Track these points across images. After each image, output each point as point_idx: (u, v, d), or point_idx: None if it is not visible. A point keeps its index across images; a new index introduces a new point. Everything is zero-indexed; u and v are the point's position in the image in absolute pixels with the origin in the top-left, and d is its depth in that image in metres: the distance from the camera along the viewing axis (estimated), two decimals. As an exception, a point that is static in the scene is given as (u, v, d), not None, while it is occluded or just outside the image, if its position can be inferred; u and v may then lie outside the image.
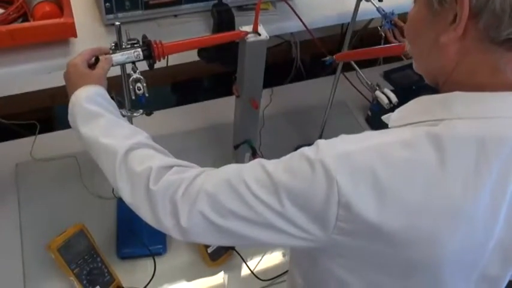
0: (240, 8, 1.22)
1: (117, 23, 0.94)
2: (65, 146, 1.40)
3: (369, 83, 1.18)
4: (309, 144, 0.64)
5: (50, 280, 1.16)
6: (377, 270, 0.66)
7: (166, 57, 0.99)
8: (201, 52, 1.21)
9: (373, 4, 1.13)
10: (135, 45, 0.98)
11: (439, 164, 0.58)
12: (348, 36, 1.23)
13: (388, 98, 1.12)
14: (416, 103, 0.66)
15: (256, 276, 1.22)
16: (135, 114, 1.11)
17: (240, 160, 1.35)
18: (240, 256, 1.25)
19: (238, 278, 1.24)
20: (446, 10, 0.58)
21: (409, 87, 1.68)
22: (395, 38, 1.16)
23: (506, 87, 0.59)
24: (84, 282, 1.11)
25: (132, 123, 1.08)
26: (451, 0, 0.57)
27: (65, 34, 1.04)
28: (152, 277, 1.17)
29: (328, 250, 0.66)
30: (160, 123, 1.37)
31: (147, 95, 0.99)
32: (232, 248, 1.25)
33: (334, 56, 1.23)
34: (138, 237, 1.22)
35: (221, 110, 1.53)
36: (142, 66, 1.00)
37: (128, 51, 0.96)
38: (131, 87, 0.99)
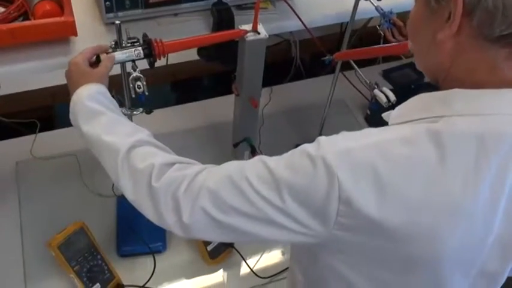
0: (240, 7, 1.22)
1: (117, 22, 0.95)
2: (65, 145, 1.40)
3: (368, 81, 1.18)
4: (309, 142, 0.65)
5: (50, 277, 1.16)
6: (377, 265, 0.66)
7: (166, 56, 1.00)
8: (200, 51, 1.22)
9: (372, 3, 1.14)
10: (135, 43, 0.98)
11: (439, 160, 0.58)
12: (347, 35, 1.24)
13: (387, 96, 1.13)
14: (416, 100, 0.66)
15: (256, 274, 1.23)
16: (135, 112, 1.12)
17: (239, 158, 1.35)
18: (240, 254, 1.25)
19: (238, 275, 1.25)
20: (442, 8, 0.59)
21: (408, 86, 1.69)
22: (394, 37, 1.17)
23: (505, 84, 0.59)
24: (84, 279, 1.11)
25: (132, 121, 1.08)
26: None
27: (65, 33, 1.04)
28: (152, 274, 1.18)
29: (329, 246, 0.66)
30: (160, 121, 1.37)
31: (147, 93, 1.00)
32: (232, 246, 1.25)
33: (333, 55, 1.24)
34: (138, 235, 1.22)
35: (221, 108, 1.53)
36: (142, 64, 1.01)
37: (129, 50, 0.97)
38: (131, 85, 1.00)
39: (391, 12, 1.14)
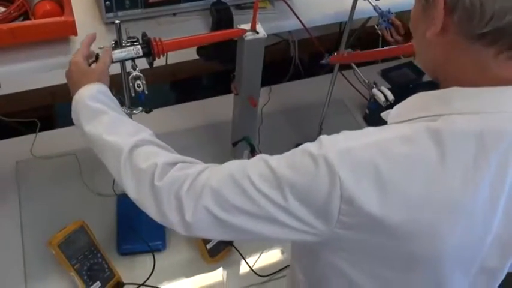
0: (239, 6, 1.22)
1: (117, 22, 0.95)
2: (65, 144, 1.41)
3: (366, 81, 1.19)
4: (307, 141, 0.65)
5: (50, 276, 1.17)
6: (379, 263, 0.67)
7: (165, 55, 1.00)
8: (200, 50, 1.22)
9: (370, 3, 1.14)
10: (135, 43, 0.99)
11: (439, 158, 0.59)
12: (345, 34, 1.24)
13: (385, 96, 1.14)
14: (415, 99, 0.67)
15: (255, 272, 1.23)
16: (134, 111, 1.12)
17: (238, 157, 1.36)
18: (239, 252, 1.25)
19: (237, 273, 1.25)
20: (429, 6, 0.60)
21: (406, 86, 1.69)
22: (392, 36, 1.18)
23: (499, 82, 0.60)
24: (85, 277, 1.12)
25: (132, 120, 1.08)
26: None
27: (65, 32, 1.04)
28: (152, 273, 1.18)
29: (331, 244, 0.67)
30: (160, 120, 1.37)
31: (146, 92, 1.00)
32: (231, 244, 1.26)
33: (329, 58, 1.24)
34: (137, 234, 1.23)
35: (220, 107, 1.54)
36: (142, 64, 1.01)
37: (128, 48, 0.97)
38: (131, 84, 1.00)
39: (389, 12, 1.14)
